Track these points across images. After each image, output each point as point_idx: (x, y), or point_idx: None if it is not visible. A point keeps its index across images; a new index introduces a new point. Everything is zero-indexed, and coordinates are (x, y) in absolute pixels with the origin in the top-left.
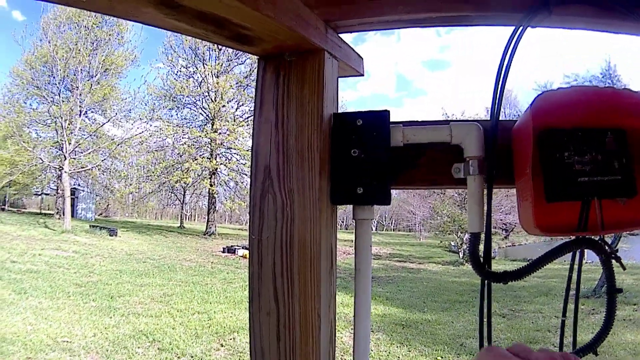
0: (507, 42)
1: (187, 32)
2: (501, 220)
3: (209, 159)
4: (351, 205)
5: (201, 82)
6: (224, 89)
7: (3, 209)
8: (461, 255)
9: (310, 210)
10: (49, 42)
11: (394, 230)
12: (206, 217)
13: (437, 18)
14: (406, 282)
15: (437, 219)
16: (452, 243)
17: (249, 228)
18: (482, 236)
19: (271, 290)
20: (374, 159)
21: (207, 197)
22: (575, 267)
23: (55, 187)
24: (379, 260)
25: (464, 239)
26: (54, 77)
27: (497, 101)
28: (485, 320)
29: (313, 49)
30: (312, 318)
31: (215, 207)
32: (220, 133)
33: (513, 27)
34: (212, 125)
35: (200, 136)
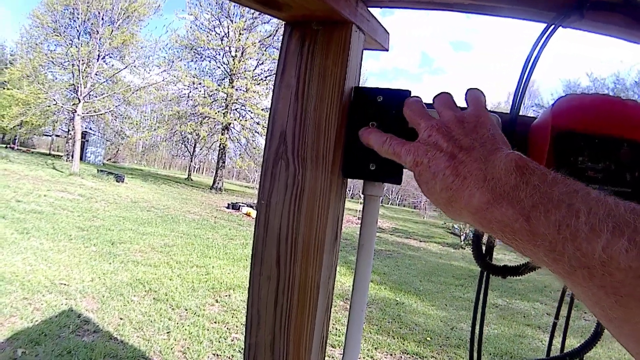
0: (537, 39)
1: None
2: None
3: (223, 113)
4: (361, 180)
5: (223, 36)
6: (245, 46)
7: (13, 148)
8: (462, 239)
9: (321, 180)
10: None
11: (399, 205)
12: (214, 172)
13: (470, 5)
14: (405, 259)
15: None
16: (455, 225)
17: (258, 191)
18: None
19: (274, 255)
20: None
21: (218, 152)
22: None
23: (67, 130)
24: (382, 233)
25: (467, 224)
26: (74, 20)
27: (519, 96)
28: (479, 310)
29: (341, 20)
30: (311, 287)
31: (224, 162)
32: (237, 89)
33: (544, 25)
34: (230, 81)
35: (217, 90)
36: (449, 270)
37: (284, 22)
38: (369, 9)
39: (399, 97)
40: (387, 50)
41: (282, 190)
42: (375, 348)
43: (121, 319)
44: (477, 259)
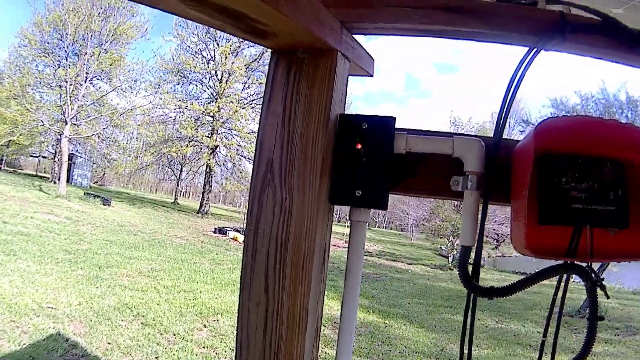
0: (519, 63)
1: (205, 22)
2: (494, 230)
3: (209, 137)
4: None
5: (209, 60)
6: (231, 70)
7: (0, 168)
8: (450, 260)
9: (308, 208)
10: (62, 5)
11: (386, 228)
12: (201, 196)
13: (452, 31)
14: (393, 282)
15: (432, 221)
16: (443, 247)
17: (246, 218)
18: (473, 250)
19: (262, 281)
20: (376, 163)
21: (204, 175)
22: (561, 290)
23: (54, 151)
24: (369, 256)
25: (455, 243)
26: (62, 41)
27: (502, 119)
28: (467, 331)
29: (327, 48)
30: (300, 313)
31: (211, 186)
32: (223, 112)
33: (526, 48)
34: (217, 104)
35: (203, 113)
36: (437, 292)
37: (270, 50)
38: (354, 36)
39: (383, 124)
40: (372, 75)
41: (269, 217)
42: None
43: (109, 343)
44: (464, 281)
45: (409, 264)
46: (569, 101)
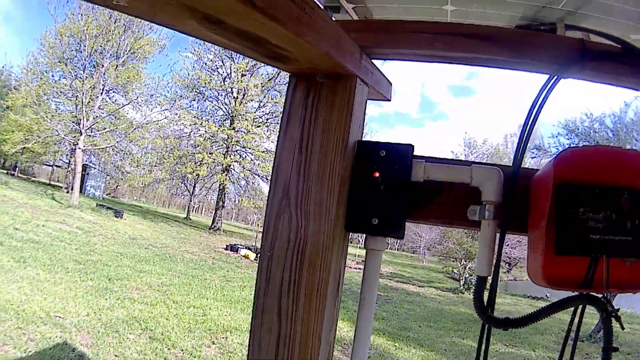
0: (540, 91)
1: (223, 45)
2: (506, 253)
3: (224, 154)
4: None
5: (225, 77)
6: (247, 88)
7: (13, 175)
8: (462, 283)
9: (324, 236)
10: (82, 17)
11: (397, 250)
12: (213, 212)
13: (472, 58)
14: (404, 304)
15: (444, 244)
16: (455, 270)
17: (261, 243)
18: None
19: (275, 307)
20: (393, 191)
21: (217, 192)
22: (576, 319)
23: (67, 161)
24: (381, 278)
25: (467, 267)
26: (81, 52)
27: (521, 148)
28: None
29: (346, 74)
30: (313, 340)
31: (223, 203)
32: (238, 131)
33: (546, 76)
34: (231, 122)
35: (217, 131)
36: (448, 316)
37: (289, 74)
38: (373, 61)
39: (401, 152)
40: (390, 100)
41: (284, 243)
42: None
43: (116, 355)
44: (479, 312)
45: (420, 286)
46: (583, 123)
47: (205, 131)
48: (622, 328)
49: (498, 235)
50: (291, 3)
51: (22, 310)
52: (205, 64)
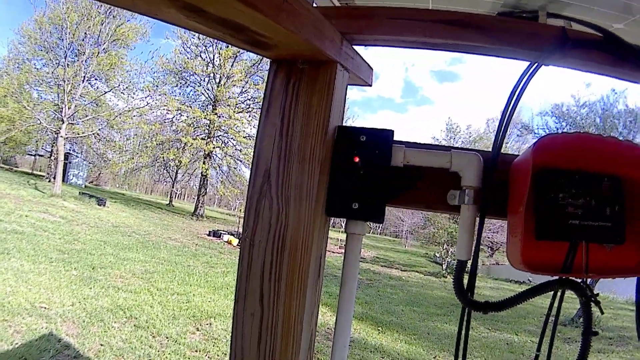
0: (520, 78)
1: (204, 32)
2: (488, 238)
3: (206, 140)
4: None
5: (209, 63)
6: (230, 74)
7: None
8: (444, 267)
9: (305, 220)
10: (62, 4)
11: (380, 234)
12: (196, 198)
13: (453, 44)
14: (387, 288)
15: (427, 229)
16: (437, 254)
17: (242, 229)
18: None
19: (258, 292)
20: (373, 176)
21: (199, 178)
22: (556, 304)
23: (50, 150)
24: (363, 262)
25: (450, 251)
26: (62, 40)
27: (501, 134)
28: (462, 344)
29: (326, 60)
30: (295, 324)
31: (206, 189)
32: (220, 116)
33: (527, 63)
34: (213, 107)
35: (200, 116)
36: (431, 300)
37: (270, 60)
38: (354, 46)
39: (381, 137)
40: (371, 85)
41: (265, 228)
42: None
43: (102, 345)
44: (459, 295)
45: (403, 270)
46: (570, 108)
47: (188, 116)
48: (602, 312)
49: (478, 220)
50: None
51: (7, 302)
52: (190, 48)
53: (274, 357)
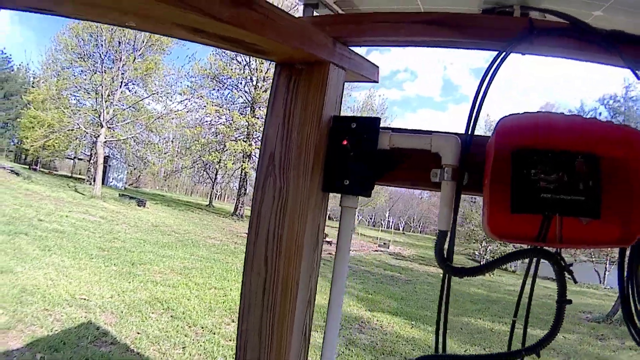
0: (489, 66)
1: (212, 45)
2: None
3: (245, 141)
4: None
5: (245, 66)
6: (266, 76)
7: (35, 169)
8: (482, 264)
9: (301, 194)
10: None
11: (420, 232)
12: (236, 199)
13: (432, 41)
14: (424, 285)
15: (465, 226)
16: (476, 252)
17: (252, 203)
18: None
19: (263, 255)
20: (362, 157)
21: (239, 179)
22: (531, 272)
23: (89, 154)
24: (402, 260)
25: (488, 249)
26: (98, 47)
27: (473, 118)
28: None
29: (320, 60)
30: (292, 281)
31: (246, 189)
32: (259, 118)
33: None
34: (252, 109)
35: (239, 119)
36: (467, 296)
37: (274, 63)
38: (351, 47)
39: (369, 123)
40: (377, 82)
41: (270, 201)
42: None
43: (138, 333)
44: (439, 262)
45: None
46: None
47: (226, 119)
48: (575, 282)
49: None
50: (254, 13)
51: (48, 294)
52: (225, 53)
53: (275, 310)
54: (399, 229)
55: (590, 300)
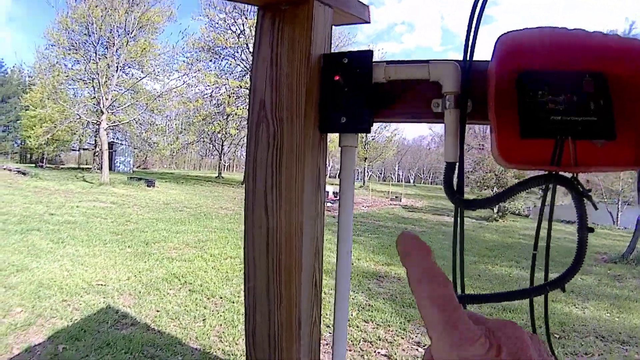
0: None
1: None
2: None
3: (247, 107)
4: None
5: (240, 34)
6: None
7: (42, 167)
8: (495, 211)
9: (296, 136)
10: (85, 2)
11: (431, 183)
12: (244, 167)
13: None
14: (439, 235)
15: (476, 173)
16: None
17: (246, 154)
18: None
19: (262, 205)
20: (357, 91)
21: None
22: (549, 199)
23: (93, 142)
24: (415, 212)
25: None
26: (89, 36)
27: (470, 42)
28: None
29: None
30: (295, 230)
31: None
32: None
33: None
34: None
35: (239, 86)
36: (482, 243)
37: (257, 7)
38: None
39: (362, 57)
40: (369, 22)
41: (264, 148)
42: (408, 320)
43: (158, 311)
44: (449, 195)
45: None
46: None
47: (226, 89)
48: (596, 208)
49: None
50: None
51: (65, 285)
52: (218, 24)
53: (280, 262)
54: (409, 182)
55: (605, 242)
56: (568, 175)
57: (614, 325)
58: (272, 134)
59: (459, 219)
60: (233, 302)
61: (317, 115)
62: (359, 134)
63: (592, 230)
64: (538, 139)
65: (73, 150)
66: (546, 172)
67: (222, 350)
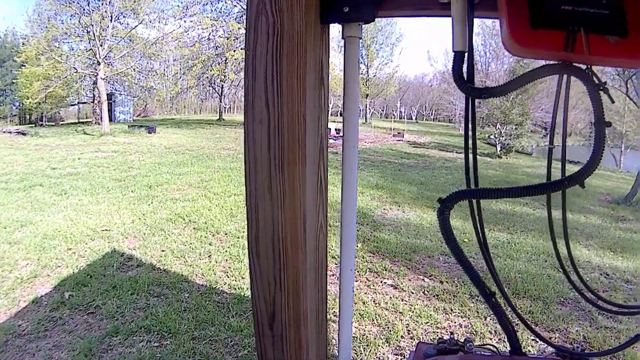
0: None
1: None
2: (541, 118)
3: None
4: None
5: None
6: None
7: (41, 125)
8: (498, 148)
9: (298, 26)
10: None
11: (433, 120)
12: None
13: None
14: (442, 170)
15: (480, 109)
16: (491, 136)
17: (245, 46)
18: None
19: (263, 99)
20: None
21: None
22: (562, 93)
23: (92, 95)
24: (418, 148)
25: (503, 131)
26: None
27: None
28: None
29: None
30: (299, 122)
31: None
32: None
33: None
34: None
35: (239, 28)
36: (486, 179)
37: None
38: None
39: None
40: None
41: (264, 40)
42: (413, 251)
43: (163, 251)
44: (459, 84)
45: (458, 152)
46: None
47: (224, 31)
48: (612, 101)
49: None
50: None
51: (69, 234)
52: None
53: (284, 159)
54: (411, 119)
55: (608, 183)
56: (582, 67)
57: (618, 263)
58: (272, 24)
59: (469, 112)
60: (238, 238)
61: (318, 5)
62: (362, 23)
63: (609, 124)
64: (549, 29)
65: (72, 105)
66: (559, 62)
67: (229, 284)
